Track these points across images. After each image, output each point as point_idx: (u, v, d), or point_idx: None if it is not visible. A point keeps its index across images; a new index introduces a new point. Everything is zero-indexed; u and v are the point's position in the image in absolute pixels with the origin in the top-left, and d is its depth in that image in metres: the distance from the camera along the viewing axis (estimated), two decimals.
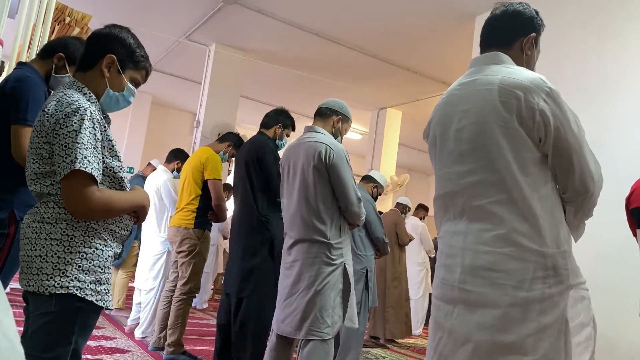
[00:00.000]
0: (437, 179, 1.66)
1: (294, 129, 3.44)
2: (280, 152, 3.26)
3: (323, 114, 2.79)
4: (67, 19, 4.84)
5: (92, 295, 1.48)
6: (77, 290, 1.45)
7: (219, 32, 6.55)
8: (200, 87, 7.14)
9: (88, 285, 1.47)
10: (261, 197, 3.08)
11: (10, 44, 3.00)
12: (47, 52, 2.23)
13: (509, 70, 1.51)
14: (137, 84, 1.69)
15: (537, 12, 1.66)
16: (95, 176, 1.45)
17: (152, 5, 6.01)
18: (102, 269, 1.52)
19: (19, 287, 1.52)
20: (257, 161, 3.12)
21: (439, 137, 1.64)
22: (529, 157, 1.44)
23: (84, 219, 1.48)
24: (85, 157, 1.43)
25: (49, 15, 3.24)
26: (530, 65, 1.64)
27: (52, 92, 2.28)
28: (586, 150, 1.47)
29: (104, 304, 1.52)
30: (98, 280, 1.50)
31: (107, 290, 1.54)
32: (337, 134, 2.78)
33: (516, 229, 1.42)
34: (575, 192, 1.47)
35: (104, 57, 1.59)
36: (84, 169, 1.42)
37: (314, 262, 2.49)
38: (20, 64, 2.23)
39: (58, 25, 4.86)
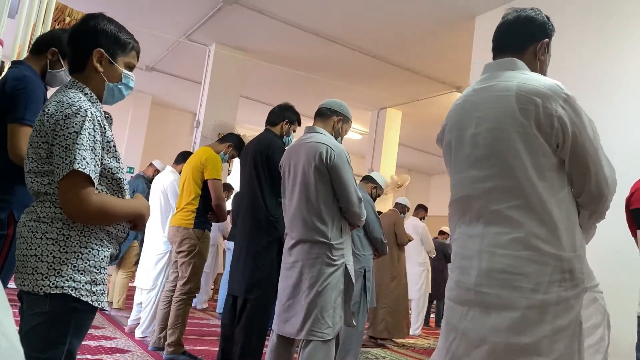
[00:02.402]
0: (453, 184, 1.66)
1: (299, 124, 3.41)
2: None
3: (323, 114, 2.79)
4: (67, 19, 4.84)
5: (88, 296, 1.47)
6: (72, 290, 1.44)
7: (219, 32, 6.56)
8: (200, 87, 7.14)
9: (83, 286, 1.46)
10: (270, 196, 3.06)
11: (10, 44, 3.00)
12: (39, 47, 2.21)
13: (526, 77, 1.52)
14: (131, 68, 1.67)
15: (548, 18, 1.68)
16: (93, 178, 1.45)
17: (152, 5, 6.01)
18: (97, 270, 1.51)
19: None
20: (265, 160, 3.08)
21: (455, 143, 1.65)
22: (546, 163, 1.46)
23: (79, 222, 1.48)
24: (84, 159, 1.42)
25: (48, 15, 3.24)
26: (542, 70, 1.67)
27: (51, 90, 2.28)
28: (601, 155, 1.49)
29: (99, 304, 1.51)
30: (94, 281, 1.49)
31: (102, 291, 1.53)
32: (338, 135, 2.78)
33: (534, 233, 1.43)
34: (590, 197, 1.50)
35: (92, 54, 1.57)
36: (82, 170, 1.41)
37: (315, 262, 2.49)
38: (15, 63, 2.22)
39: (58, 25, 4.86)
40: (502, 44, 1.67)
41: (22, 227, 1.48)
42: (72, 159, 1.41)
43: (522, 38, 1.64)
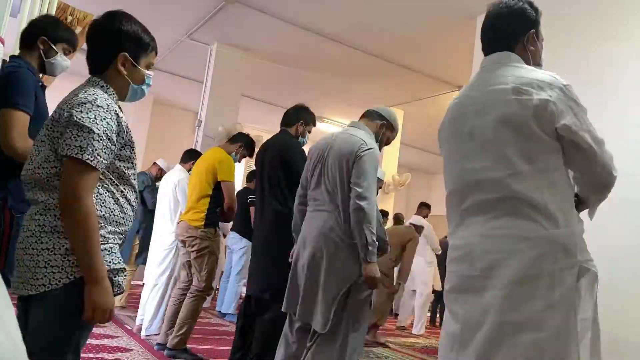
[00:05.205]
0: (451, 177, 1.69)
1: (315, 124, 3.41)
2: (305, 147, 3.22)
3: (370, 115, 2.77)
4: (69, 18, 4.84)
5: (109, 267, 1.46)
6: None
7: (220, 31, 6.55)
8: (202, 86, 7.14)
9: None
10: (290, 198, 2.97)
11: (13, 43, 3.00)
12: (28, 40, 2.21)
13: (522, 70, 1.55)
14: (151, 66, 1.69)
15: (529, 3, 1.67)
16: (98, 170, 1.44)
17: (154, 4, 6.02)
18: (109, 252, 1.50)
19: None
20: (285, 163, 3.04)
21: (452, 136, 1.68)
22: (538, 147, 1.49)
23: (61, 208, 1.41)
24: (95, 150, 1.41)
25: (50, 14, 3.24)
26: (536, 59, 1.68)
27: (54, 76, 2.28)
28: (600, 143, 1.51)
29: (118, 277, 1.51)
30: (111, 260, 1.49)
31: (121, 270, 1.53)
32: (379, 139, 2.72)
33: (526, 217, 1.46)
34: (593, 183, 1.54)
35: (116, 57, 1.57)
36: (90, 162, 1.40)
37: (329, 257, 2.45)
38: (12, 58, 2.23)
39: None
40: (490, 46, 1.68)
41: (29, 220, 1.46)
42: (84, 145, 1.39)
43: (507, 36, 1.65)
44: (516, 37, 1.64)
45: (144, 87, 1.66)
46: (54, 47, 2.21)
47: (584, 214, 1.61)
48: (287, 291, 2.61)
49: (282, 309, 2.62)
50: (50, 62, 2.22)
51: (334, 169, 2.50)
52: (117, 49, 1.57)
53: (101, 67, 1.59)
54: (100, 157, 1.42)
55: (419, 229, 6.37)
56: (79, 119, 1.41)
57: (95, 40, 1.60)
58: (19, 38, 2.32)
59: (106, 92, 1.53)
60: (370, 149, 2.48)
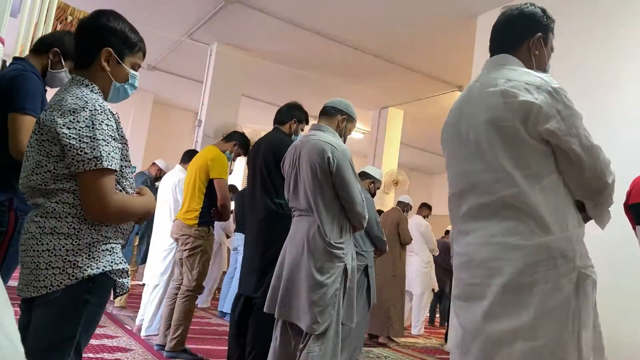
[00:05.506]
0: (449, 180, 1.70)
1: (307, 123, 3.40)
2: None
3: (328, 113, 2.80)
4: (69, 18, 4.84)
5: (109, 269, 1.47)
6: (92, 269, 1.43)
7: (220, 31, 6.56)
8: (202, 86, 7.14)
9: (104, 266, 1.46)
10: (282, 196, 2.97)
11: (12, 43, 3.00)
12: (42, 47, 2.21)
13: (515, 73, 1.54)
14: (137, 67, 1.66)
15: (543, 10, 1.69)
16: (116, 174, 1.46)
17: (154, 4, 6.02)
18: (111, 252, 1.51)
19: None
20: (277, 161, 3.01)
21: (450, 139, 1.70)
22: (527, 153, 1.47)
23: (97, 220, 1.46)
24: (109, 154, 1.42)
25: (50, 14, 3.25)
26: (541, 64, 1.68)
27: (51, 91, 2.28)
28: (596, 146, 1.49)
29: (121, 279, 1.51)
30: (112, 261, 1.49)
31: (124, 271, 1.53)
32: (342, 134, 2.78)
33: (519, 223, 1.45)
34: (588, 188, 1.50)
35: (100, 52, 1.55)
36: (110, 167, 1.42)
37: (316, 260, 2.49)
38: (16, 59, 2.22)
39: (60, 24, 4.87)
40: (497, 44, 1.69)
41: (30, 222, 1.46)
42: (98, 154, 1.40)
43: (515, 36, 1.66)
44: (522, 38, 1.65)
45: (127, 86, 1.64)
46: (63, 61, 2.21)
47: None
48: (270, 292, 2.63)
49: (265, 309, 2.63)
50: (54, 74, 2.21)
51: (307, 176, 2.57)
52: (102, 45, 1.55)
53: (85, 62, 1.57)
54: (115, 158, 1.44)
55: (406, 206, 6.22)
56: (79, 130, 1.40)
57: (81, 35, 1.59)
58: (35, 42, 2.32)
59: (92, 91, 1.52)
60: (340, 150, 2.57)
